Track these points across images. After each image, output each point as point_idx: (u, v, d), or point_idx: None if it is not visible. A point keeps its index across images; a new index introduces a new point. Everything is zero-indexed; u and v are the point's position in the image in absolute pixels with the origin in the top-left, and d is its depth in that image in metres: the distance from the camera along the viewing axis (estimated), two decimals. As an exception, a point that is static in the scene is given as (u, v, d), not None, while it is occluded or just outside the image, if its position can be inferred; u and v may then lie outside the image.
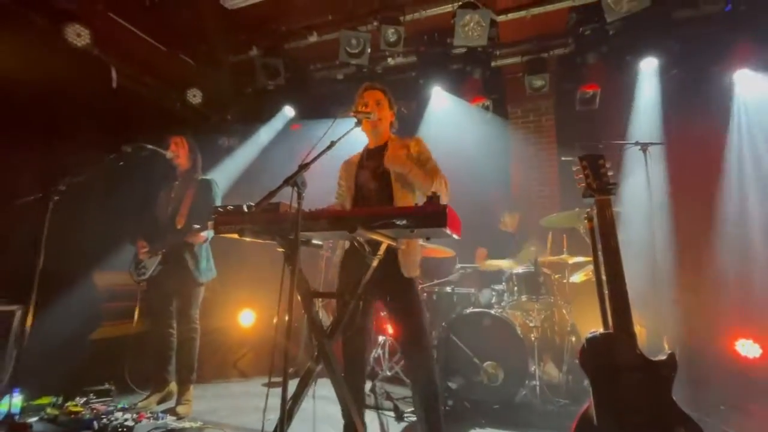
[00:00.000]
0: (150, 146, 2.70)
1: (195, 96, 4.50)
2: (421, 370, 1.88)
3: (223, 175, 3.34)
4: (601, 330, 1.65)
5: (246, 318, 4.67)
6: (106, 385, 2.71)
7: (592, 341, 1.62)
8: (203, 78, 4.56)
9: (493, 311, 2.97)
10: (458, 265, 3.51)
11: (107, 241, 3.53)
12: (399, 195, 1.95)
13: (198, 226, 2.66)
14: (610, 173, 1.72)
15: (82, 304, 3.56)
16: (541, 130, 4.73)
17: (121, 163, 2.55)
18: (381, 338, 3.41)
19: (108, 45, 3.69)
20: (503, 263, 3.43)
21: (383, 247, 1.72)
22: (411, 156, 1.99)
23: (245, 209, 1.60)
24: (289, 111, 4.95)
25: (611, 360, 1.56)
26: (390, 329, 3.43)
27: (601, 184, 1.71)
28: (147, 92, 4.31)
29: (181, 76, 4.45)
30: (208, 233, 2.76)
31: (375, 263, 1.73)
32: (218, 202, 2.85)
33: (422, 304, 1.96)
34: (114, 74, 3.85)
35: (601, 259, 1.69)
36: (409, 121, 4.39)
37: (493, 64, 4.31)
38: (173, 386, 2.73)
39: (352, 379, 1.97)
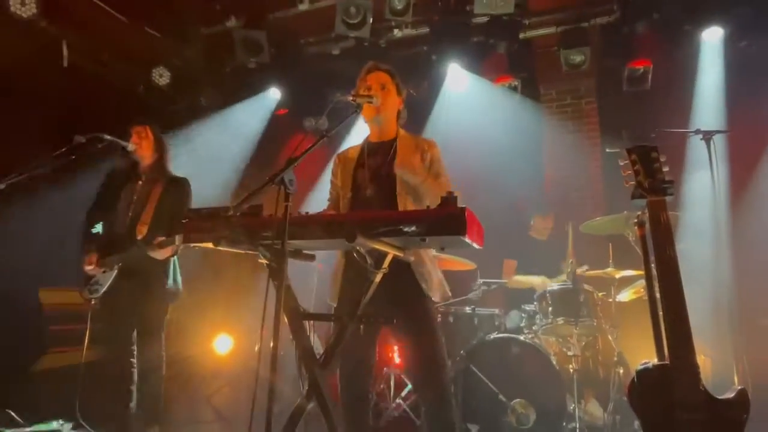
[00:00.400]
0: (107, 137, 2.73)
1: (162, 76, 4.55)
2: (436, 408, 1.88)
3: (192, 170, 3.33)
4: (655, 360, 1.64)
5: (222, 344, 4.68)
6: (54, 425, 2.73)
7: (645, 375, 1.60)
8: (172, 55, 4.61)
9: (522, 337, 2.96)
10: (480, 281, 3.50)
11: (55, 252, 3.56)
12: (403, 204, 1.97)
13: (162, 238, 2.67)
14: (665, 169, 1.71)
15: (23, 327, 3.60)
16: (581, 116, 4.72)
17: (73, 158, 2.58)
18: (385, 370, 3.41)
19: (58, 15, 3.74)
20: (535, 279, 3.41)
21: (388, 260, 1.72)
22: (425, 162, 2.00)
23: (222, 213, 1.61)
24: (274, 94, 4.99)
25: (668, 398, 1.55)
26: (397, 358, 3.43)
27: (654, 183, 1.70)
28: (104, 72, 4.36)
29: (146, 52, 4.50)
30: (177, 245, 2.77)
31: (378, 278, 1.73)
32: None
33: (438, 328, 1.97)
34: (65, 50, 3.90)
35: (655, 273, 1.69)
36: (419, 105, 4.40)
37: (521, 35, 4.31)
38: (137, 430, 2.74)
39: (351, 419, 1.96)
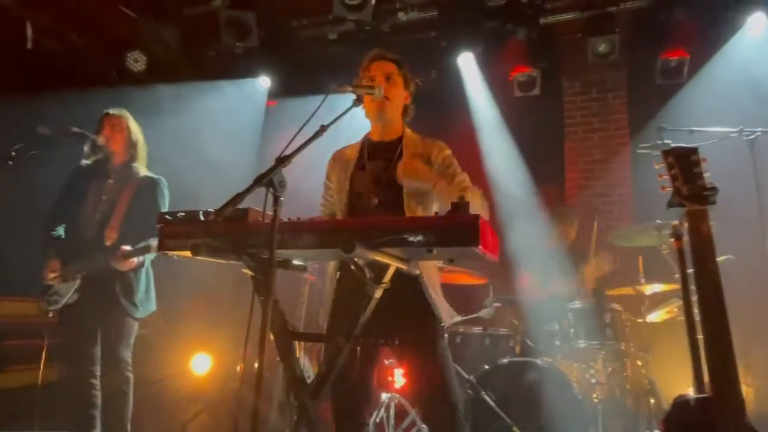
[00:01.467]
0: (75, 128, 2.72)
1: (137, 61, 4.55)
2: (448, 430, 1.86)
3: (167, 170, 3.30)
4: (692, 391, 1.62)
5: (200, 364, 4.65)
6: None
7: (682, 407, 1.59)
8: (148, 37, 4.61)
9: (540, 361, 2.93)
10: (492, 297, 3.48)
11: (11, 257, 3.54)
12: (412, 214, 1.95)
13: (128, 248, 2.63)
14: (706, 174, 1.70)
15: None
16: (608, 112, 4.72)
17: (34, 152, 2.57)
18: (384, 396, 3.37)
19: (22, -8, 3.75)
20: (555, 287, 3.40)
21: (390, 273, 1.70)
22: (432, 166, 1.98)
23: (201, 217, 1.60)
24: (263, 82, 4.99)
25: (708, 435, 1.52)
26: (397, 383, 3.40)
27: (694, 189, 1.68)
28: (73, 55, 4.37)
29: (120, 34, 4.50)
30: (147, 257, 2.74)
31: (378, 294, 1.71)
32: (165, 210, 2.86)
33: (448, 353, 1.96)
34: (29, 31, 3.90)
35: (693, 290, 1.67)
36: (425, 98, 4.38)
37: (542, 21, 4.32)
38: None
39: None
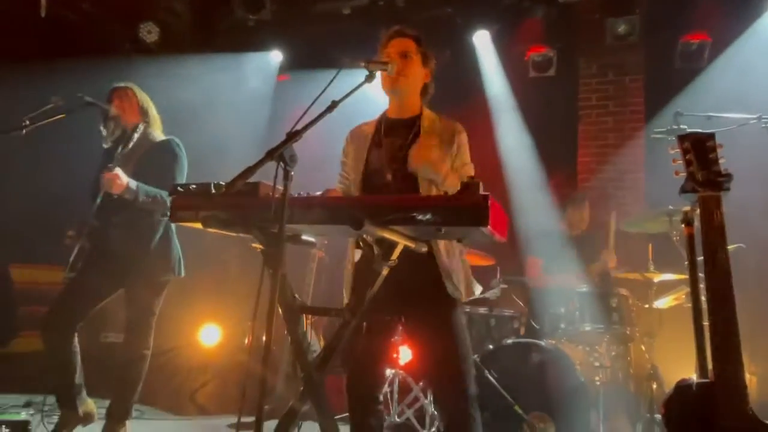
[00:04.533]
0: (88, 98, 2.72)
1: (150, 32, 4.53)
2: (456, 416, 1.87)
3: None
4: (694, 376, 1.62)
5: (209, 335, 4.74)
6: (23, 415, 2.78)
7: (684, 391, 1.59)
8: (161, 9, 4.58)
9: (544, 343, 2.95)
10: (499, 278, 3.49)
11: (28, 225, 3.60)
12: (427, 192, 1.91)
13: (112, 166, 2.53)
14: (722, 160, 1.67)
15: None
16: (625, 95, 4.64)
17: (49, 120, 2.58)
18: (389, 372, 3.42)
19: (35, -40, 3.73)
20: (565, 277, 3.39)
21: (398, 250, 1.71)
22: (449, 153, 1.95)
23: (213, 190, 1.60)
24: (275, 56, 4.95)
25: (709, 419, 1.53)
26: (401, 360, 3.44)
27: (709, 175, 1.66)
28: (85, 25, 4.35)
29: (133, 5, 4.48)
30: (132, 183, 2.59)
31: (386, 271, 1.72)
32: (180, 171, 2.81)
33: (464, 336, 1.93)
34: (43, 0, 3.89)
35: (702, 278, 1.66)
36: (438, 75, 4.33)
37: (561, -1, 4.23)
38: (89, 405, 2.70)
39: (355, 424, 1.98)
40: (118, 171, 2.57)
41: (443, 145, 1.97)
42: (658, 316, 3.18)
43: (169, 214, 1.85)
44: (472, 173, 1.98)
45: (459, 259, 1.98)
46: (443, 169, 1.88)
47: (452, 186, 1.85)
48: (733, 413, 1.52)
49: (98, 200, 2.68)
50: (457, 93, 4.42)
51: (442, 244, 1.92)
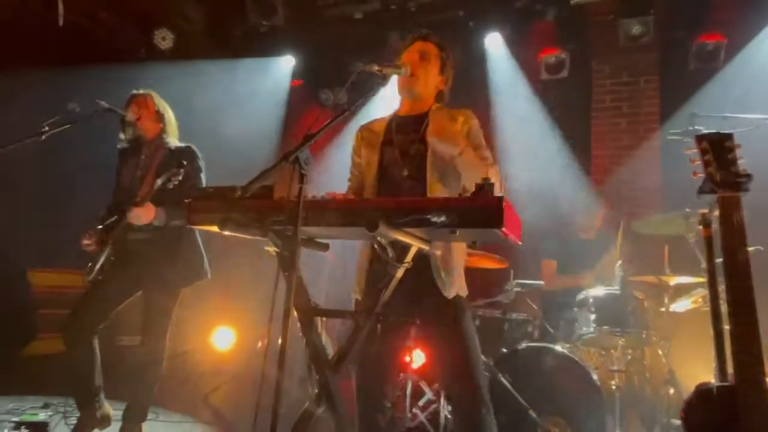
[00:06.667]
0: (105, 104, 2.76)
1: (165, 39, 4.59)
2: (470, 420, 1.87)
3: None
4: (714, 381, 1.59)
5: (222, 338, 4.77)
6: (41, 416, 2.82)
7: (705, 395, 1.57)
8: (175, 15, 4.63)
9: (559, 347, 2.92)
10: (513, 281, 3.47)
11: (47, 230, 3.65)
12: (432, 189, 1.92)
13: (140, 201, 2.56)
14: (741, 160, 1.65)
15: (11, 310, 3.71)
16: (639, 96, 4.61)
17: (67, 126, 2.61)
18: (402, 376, 3.41)
19: (53, -31, 3.79)
20: (581, 277, 3.37)
21: (412, 253, 1.71)
22: (457, 129, 1.96)
23: (229, 193, 1.62)
24: (288, 61, 4.98)
25: (731, 423, 1.51)
26: (414, 363, 3.43)
27: (728, 176, 1.64)
28: (102, 32, 4.42)
29: (147, 11, 4.54)
30: (160, 213, 2.65)
31: (400, 274, 1.72)
32: (202, 180, 2.85)
33: (471, 328, 1.94)
34: (61, 8, 3.95)
35: (721, 280, 1.64)
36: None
37: (572, 0, 4.20)
38: (106, 408, 2.74)
39: (364, 428, 1.98)
40: (148, 204, 2.62)
41: (455, 124, 1.98)
42: (675, 320, 3.14)
43: None
44: (491, 161, 1.96)
45: (456, 260, 1.96)
46: (461, 143, 1.86)
47: (469, 162, 1.85)
48: (756, 417, 1.50)
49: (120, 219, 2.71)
50: (468, 94, 4.43)
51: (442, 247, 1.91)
